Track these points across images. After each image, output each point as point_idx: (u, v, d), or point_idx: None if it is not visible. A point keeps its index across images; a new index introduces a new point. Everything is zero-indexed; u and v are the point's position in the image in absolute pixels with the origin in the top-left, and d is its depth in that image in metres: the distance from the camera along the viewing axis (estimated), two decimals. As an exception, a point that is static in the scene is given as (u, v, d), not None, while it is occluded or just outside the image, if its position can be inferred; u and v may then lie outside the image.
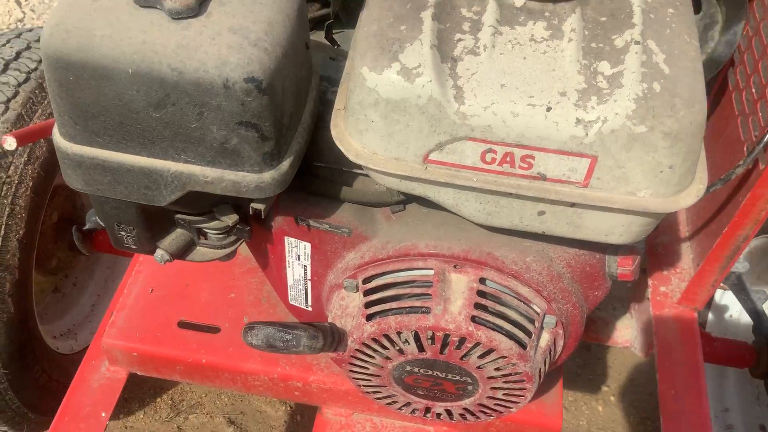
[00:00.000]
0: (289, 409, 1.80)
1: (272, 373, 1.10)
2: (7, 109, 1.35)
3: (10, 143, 1.15)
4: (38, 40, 1.51)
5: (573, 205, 0.70)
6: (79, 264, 1.77)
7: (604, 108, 0.64)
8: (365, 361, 0.87)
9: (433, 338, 0.81)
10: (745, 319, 1.58)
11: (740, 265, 1.28)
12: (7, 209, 1.33)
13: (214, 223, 0.83)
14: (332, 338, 0.84)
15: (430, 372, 0.86)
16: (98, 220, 1.32)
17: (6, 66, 1.42)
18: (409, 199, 0.84)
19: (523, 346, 0.81)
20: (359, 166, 0.75)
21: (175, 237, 0.84)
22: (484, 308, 0.81)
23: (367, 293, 0.85)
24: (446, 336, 0.80)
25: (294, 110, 0.72)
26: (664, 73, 0.66)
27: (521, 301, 0.83)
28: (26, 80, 1.41)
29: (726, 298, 1.76)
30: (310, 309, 0.98)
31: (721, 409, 1.80)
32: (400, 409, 0.96)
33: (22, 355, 1.44)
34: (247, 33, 0.64)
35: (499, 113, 0.65)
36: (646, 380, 2.03)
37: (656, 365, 1.26)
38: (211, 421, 1.84)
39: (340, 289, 0.88)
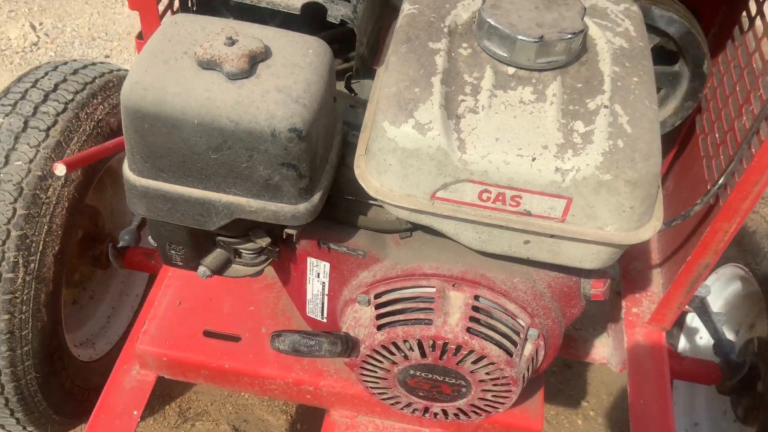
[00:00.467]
0: (290, 418, 1.93)
1: (287, 378, 1.24)
2: (47, 136, 1.49)
3: (61, 170, 1.29)
4: (74, 73, 1.65)
5: (552, 236, 0.85)
6: (96, 278, 1.91)
7: (577, 159, 0.80)
8: (375, 366, 1.02)
9: (434, 346, 0.96)
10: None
11: (703, 290, 1.43)
12: (45, 227, 1.46)
13: (249, 245, 0.98)
14: (347, 345, 0.98)
15: (429, 375, 1.01)
16: (130, 239, 1.47)
17: (45, 97, 1.56)
18: (415, 227, 0.99)
19: (510, 354, 0.96)
20: (374, 199, 0.90)
21: (216, 256, 0.99)
22: (478, 321, 0.96)
23: (378, 307, 0.99)
24: (445, 344, 0.95)
25: (324, 152, 0.87)
26: (627, 132, 0.82)
27: (509, 315, 0.98)
28: (64, 110, 1.55)
29: (697, 321, 1.92)
30: (325, 320, 1.13)
31: (692, 423, 1.94)
32: (402, 409, 1.10)
33: (51, 360, 1.57)
34: (290, 91, 0.79)
35: (493, 161, 0.80)
36: (622, 397, 2.17)
37: (628, 378, 1.41)
38: (216, 428, 1.97)
39: (354, 303, 1.03)
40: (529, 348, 1.00)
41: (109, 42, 3.39)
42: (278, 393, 1.27)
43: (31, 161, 1.45)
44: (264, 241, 0.96)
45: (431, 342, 0.95)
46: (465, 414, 1.08)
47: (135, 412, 1.24)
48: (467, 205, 0.84)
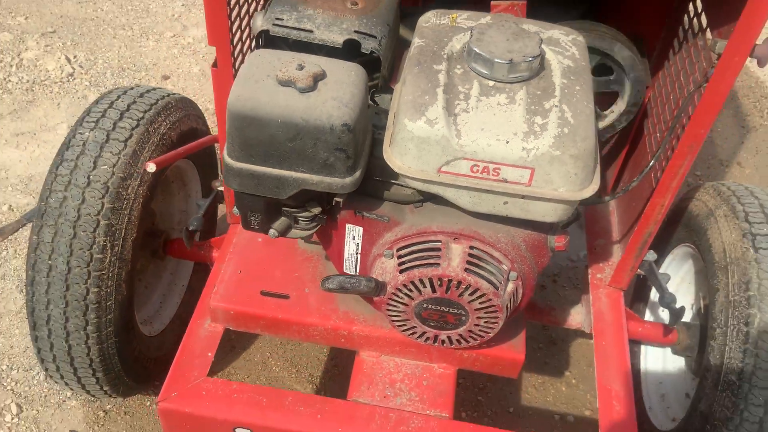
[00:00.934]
0: (315, 387, 2.29)
1: (327, 325, 1.61)
2: (125, 146, 1.86)
3: (151, 167, 1.67)
4: (140, 96, 2.02)
5: (523, 197, 1.23)
6: (150, 270, 2.27)
7: (537, 141, 1.18)
8: (397, 301, 1.39)
9: (441, 282, 1.33)
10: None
11: (650, 256, 1.80)
12: (126, 218, 1.83)
13: (305, 213, 1.35)
14: (377, 285, 1.35)
15: (438, 307, 1.38)
16: (198, 224, 1.83)
17: (121, 115, 1.93)
18: (425, 198, 1.37)
19: (496, 288, 1.34)
20: (396, 178, 1.27)
21: (281, 222, 1.36)
22: (473, 264, 1.33)
23: (399, 257, 1.37)
24: (449, 281, 1.32)
25: (362, 142, 1.25)
26: (571, 123, 1.20)
27: (495, 261, 1.35)
28: (137, 126, 1.92)
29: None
30: (357, 274, 1.50)
31: (657, 381, 2.29)
32: (418, 338, 1.47)
33: (126, 329, 1.93)
34: (341, 99, 1.17)
35: (480, 144, 1.18)
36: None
37: (593, 325, 1.77)
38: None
39: (381, 257, 1.40)
40: (510, 286, 1.38)
41: (137, 72, 3.78)
42: (319, 338, 1.64)
43: (114, 165, 1.82)
44: (316, 210, 1.34)
45: (439, 279, 1.33)
46: (465, 339, 1.45)
47: (209, 354, 1.60)
48: (463, 176, 1.22)
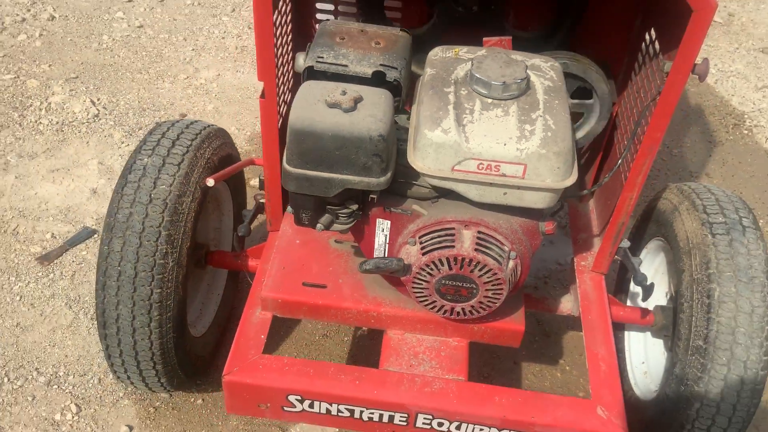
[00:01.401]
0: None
1: (359, 308, 1.94)
2: (179, 168, 2.19)
3: (210, 182, 2.01)
4: (186, 127, 2.37)
5: (518, 188, 1.58)
6: (191, 279, 2.58)
7: (527, 143, 1.53)
8: (421, 279, 1.72)
9: (456, 260, 1.67)
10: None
11: (624, 243, 2.15)
12: (182, 229, 2.15)
13: (344, 210, 1.69)
14: (405, 266, 1.69)
15: (453, 282, 1.71)
16: (246, 230, 2.15)
17: (173, 143, 2.27)
18: (440, 194, 1.71)
19: (500, 264, 1.67)
20: (416, 179, 1.62)
21: (326, 218, 1.70)
22: (481, 245, 1.67)
23: (421, 243, 1.71)
24: (463, 259, 1.66)
25: (391, 149, 1.59)
26: (552, 128, 1.55)
27: (498, 242, 1.69)
28: (187, 152, 2.26)
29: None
30: (386, 261, 1.83)
31: (640, 361, 2.61)
32: (438, 311, 1.80)
33: (181, 327, 2.24)
34: (376, 116, 1.52)
35: (484, 146, 1.53)
36: (588, 351, 2.85)
37: (580, 307, 2.10)
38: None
39: (406, 245, 1.74)
40: (511, 263, 1.71)
41: (157, 112, 4.13)
42: (352, 320, 1.96)
43: (171, 185, 2.15)
44: (354, 207, 1.68)
45: (454, 258, 1.67)
46: (476, 310, 1.78)
47: (262, 336, 1.92)
48: (471, 172, 1.56)
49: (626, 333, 2.65)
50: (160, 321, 2.13)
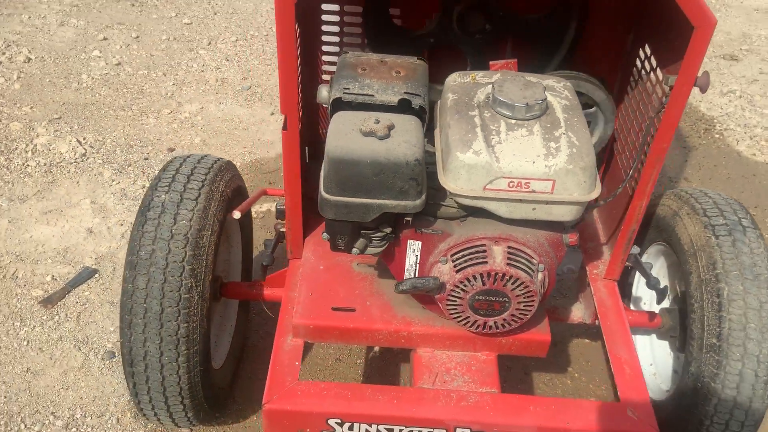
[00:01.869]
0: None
1: (390, 329, 1.98)
2: (197, 203, 2.23)
3: (237, 215, 2.04)
4: (198, 162, 2.40)
5: (547, 203, 1.65)
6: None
7: (555, 160, 1.61)
8: (455, 296, 1.78)
9: (489, 276, 1.73)
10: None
11: (634, 249, 2.23)
12: (204, 262, 2.18)
13: (378, 234, 1.74)
14: (441, 284, 1.74)
15: (486, 297, 1.77)
16: (269, 259, 2.19)
17: (188, 178, 2.30)
18: (468, 213, 1.78)
19: (531, 276, 1.74)
20: (444, 200, 1.68)
21: (361, 242, 1.75)
22: (512, 260, 1.74)
23: (453, 261, 1.77)
24: (497, 274, 1.72)
25: (424, 172, 1.66)
26: (576, 144, 1.63)
27: (527, 256, 1.76)
28: (202, 186, 2.29)
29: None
30: (416, 281, 1.88)
31: (648, 363, 2.70)
32: (470, 327, 1.86)
33: (206, 360, 2.26)
34: (410, 141, 1.58)
35: (514, 165, 1.60)
36: (596, 360, 2.95)
37: (598, 314, 2.18)
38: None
39: (437, 264, 1.80)
40: (540, 276, 1.78)
41: (144, 147, 4.14)
42: (383, 341, 2.01)
43: (191, 220, 2.18)
44: (387, 230, 1.73)
45: (488, 274, 1.73)
46: (508, 323, 1.84)
47: (296, 363, 1.96)
48: (502, 190, 1.63)
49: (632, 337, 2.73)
50: (188, 355, 2.15)
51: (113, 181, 3.83)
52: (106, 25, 5.35)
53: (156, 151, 4.09)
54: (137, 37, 5.22)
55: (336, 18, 2.12)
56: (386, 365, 2.86)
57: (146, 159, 4.01)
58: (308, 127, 2.45)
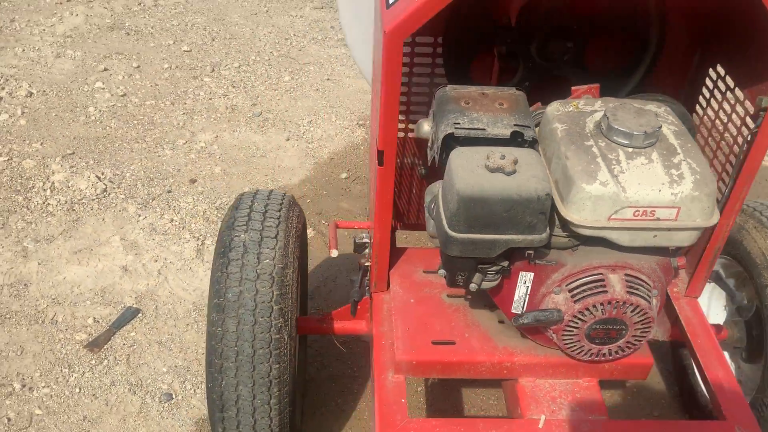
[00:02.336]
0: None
1: (493, 360, 1.96)
2: (277, 241, 2.19)
3: (334, 253, 2.00)
4: (269, 198, 2.36)
5: (670, 230, 1.65)
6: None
7: (681, 187, 1.61)
8: (573, 326, 1.77)
9: (610, 305, 1.73)
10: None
11: (717, 266, 2.26)
12: (290, 300, 2.13)
13: (494, 267, 1.73)
14: (561, 316, 1.73)
15: (604, 326, 1.77)
16: (359, 295, 2.15)
17: (264, 216, 2.26)
18: (580, 242, 1.77)
19: (649, 302, 1.74)
20: (553, 230, 1.67)
21: (478, 276, 1.73)
22: (631, 287, 1.73)
23: (570, 291, 1.76)
24: (617, 302, 1.72)
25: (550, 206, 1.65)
26: (698, 170, 1.64)
27: (644, 282, 1.76)
28: (279, 223, 2.26)
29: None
30: (525, 312, 1.87)
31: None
32: (584, 355, 1.85)
33: (294, 400, 2.21)
34: (538, 175, 1.57)
35: (640, 194, 1.61)
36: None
37: (687, 333, 2.18)
38: None
39: (550, 294, 1.79)
40: (654, 301, 1.79)
41: (165, 180, 4.06)
42: (485, 372, 1.99)
43: (274, 258, 2.14)
44: (504, 263, 1.72)
45: (608, 302, 1.72)
46: (622, 349, 1.84)
47: (402, 400, 1.92)
48: (627, 220, 1.63)
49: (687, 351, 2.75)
50: (279, 397, 2.11)
51: (139, 216, 3.75)
52: (104, 56, 5.24)
53: (178, 183, 4.01)
54: (138, 66, 5.13)
55: (429, 50, 2.10)
56: (448, 391, 2.84)
57: (169, 192, 3.93)
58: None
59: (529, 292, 1.83)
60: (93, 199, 3.84)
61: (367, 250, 2.27)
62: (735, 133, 2.05)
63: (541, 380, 2.01)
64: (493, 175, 1.57)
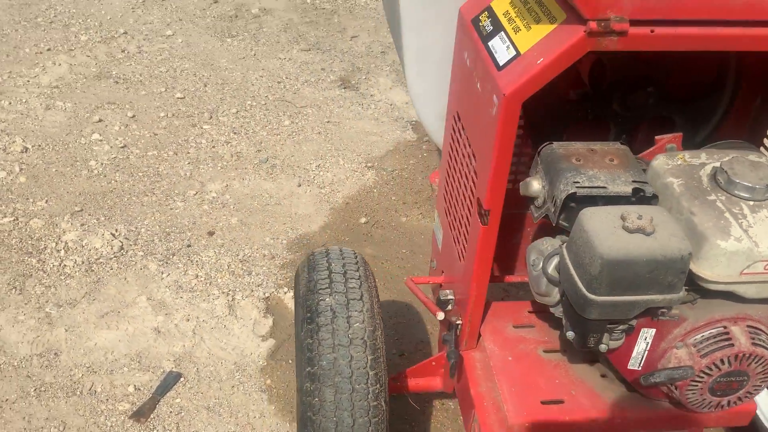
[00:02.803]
0: None
1: (604, 417, 1.94)
2: (363, 303, 2.14)
3: (441, 316, 1.96)
4: (342, 258, 2.31)
5: (799, 279, 1.67)
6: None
7: (810, 239, 1.64)
8: (698, 381, 1.76)
9: (736, 358, 1.73)
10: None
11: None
12: (382, 365, 2.08)
13: (622, 326, 1.71)
14: (692, 373, 1.73)
15: (727, 378, 1.76)
16: (456, 356, 2.10)
17: (345, 277, 2.21)
18: (700, 296, 1.77)
19: (770, 352, 1.75)
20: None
21: (606, 337, 1.71)
22: (754, 338, 1.74)
23: (694, 345, 1.75)
24: (744, 355, 1.72)
25: (685, 264, 1.65)
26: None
27: (764, 332, 1.77)
28: (361, 284, 2.20)
29: None
30: (640, 369, 1.85)
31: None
32: (704, 408, 1.84)
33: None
34: (677, 234, 1.57)
35: (773, 248, 1.62)
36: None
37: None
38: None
39: (672, 350, 1.78)
40: (773, 350, 1.80)
41: (182, 234, 3.95)
42: (598, 429, 1.96)
43: (363, 321, 2.09)
44: (633, 322, 1.71)
45: (735, 356, 1.72)
46: (740, 399, 1.84)
47: (518, 460, 1.88)
48: (758, 273, 1.64)
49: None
50: (374, 474, 2.04)
51: (162, 273, 3.63)
52: (96, 106, 5.10)
53: (197, 237, 3.91)
54: (133, 116, 5.01)
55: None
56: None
57: (189, 246, 3.82)
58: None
59: (648, 348, 1.81)
60: (111, 258, 3.70)
61: (450, 306, 2.23)
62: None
63: (648, 433, 2.00)
64: (633, 237, 1.56)
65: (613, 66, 2.08)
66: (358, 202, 4.28)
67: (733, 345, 1.72)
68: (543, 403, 1.96)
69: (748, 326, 1.76)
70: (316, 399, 1.98)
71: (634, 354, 1.83)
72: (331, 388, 1.98)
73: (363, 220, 4.12)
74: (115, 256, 3.71)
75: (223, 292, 3.52)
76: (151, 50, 5.97)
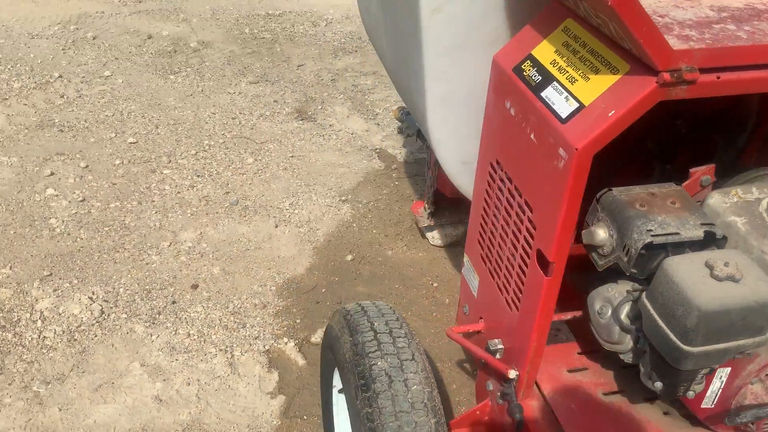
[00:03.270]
0: None
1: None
2: (416, 362, 2.07)
3: (513, 374, 1.90)
4: (382, 315, 2.23)
5: None
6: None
7: None
8: (776, 415, 1.79)
9: (812, 388, 1.76)
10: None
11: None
12: (443, 427, 2.02)
13: (705, 370, 1.71)
14: (768, 409, 1.74)
15: (798, 411, 1.79)
16: (519, 411, 2.05)
17: (392, 337, 2.13)
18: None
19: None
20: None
21: (693, 382, 1.71)
22: (827, 369, 1.78)
23: (770, 381, 1.77)
24: (817, 384, 1.75)
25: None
26: None
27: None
28: (409, 343, 2.13)
29: None
30: (713, 406, 1.86)
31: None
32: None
33: None
34: (763, 278, 1.58)
35: None
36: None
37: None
38: None
39: (746, 386, 1.79)
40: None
41: (164, 289, 3.77)
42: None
43: (421, 383, 2.03)
44: (716, 365, 1.71)
45: (813, 388, 1.75)
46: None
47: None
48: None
49: None
50: None
51: (151, 335, 3.45)
52: (44, 158, 4.83)
53: (180, 292, 3.73)
54: (87, 166, 4.76)
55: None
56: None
57: (174, 302, 3.65)
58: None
59: (722, 386, 1.82)
60: (93, 324, 3.49)
61: (498, 356, 2.19)
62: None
63: (709, 467, 2.01)
64: (724, 285, 1.56)
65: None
66: (339, 239, 4.19)
67: (808, 377, 1.75)
68: None
69: (817, 357, 1.79)
70: (385, 470, 1.90)
71: (708, 393, 1.83)
72: (400, 457, 1.90)
73: (349, 257, 4.04)
74: (97, 322, 3.50)
75: (220, 350, 3.37)
76: (92, 93, 5.71)
